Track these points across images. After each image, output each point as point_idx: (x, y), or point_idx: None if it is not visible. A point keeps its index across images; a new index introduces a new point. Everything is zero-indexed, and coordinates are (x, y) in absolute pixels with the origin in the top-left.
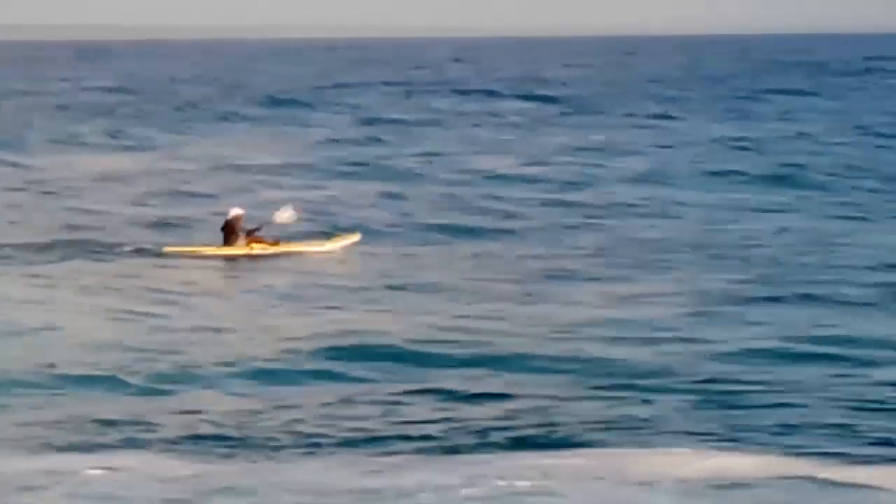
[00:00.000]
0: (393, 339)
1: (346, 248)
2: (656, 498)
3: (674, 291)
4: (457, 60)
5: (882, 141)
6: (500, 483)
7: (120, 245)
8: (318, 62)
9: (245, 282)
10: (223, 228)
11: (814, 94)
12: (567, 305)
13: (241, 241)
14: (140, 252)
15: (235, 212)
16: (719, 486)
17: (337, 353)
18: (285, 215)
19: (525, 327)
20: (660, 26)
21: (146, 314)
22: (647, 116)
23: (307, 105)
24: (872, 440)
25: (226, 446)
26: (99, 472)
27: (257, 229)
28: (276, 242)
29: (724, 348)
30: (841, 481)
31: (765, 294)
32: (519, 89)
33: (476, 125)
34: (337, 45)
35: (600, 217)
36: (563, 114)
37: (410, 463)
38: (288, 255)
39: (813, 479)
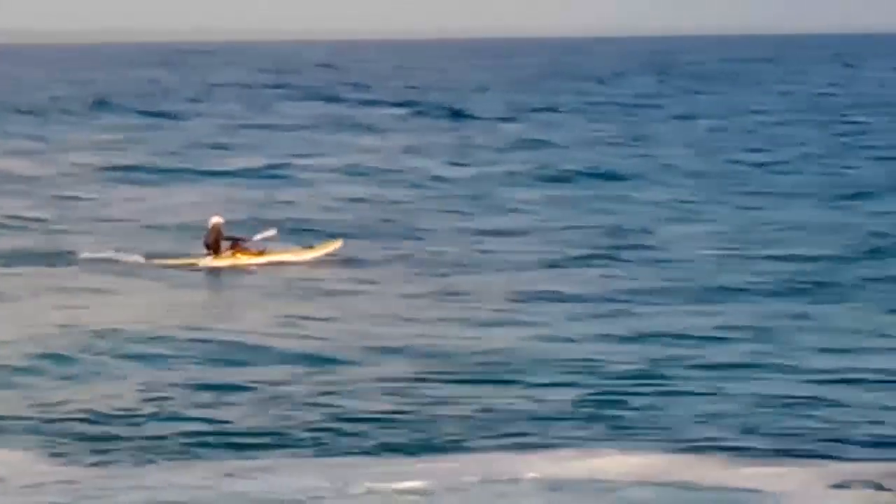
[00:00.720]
0: (275, 340)
1: (326, 256)
2: (526, 500)
3: (548, 291)
4: (324, 66)
5: (713, 142)
6: (373, 485)
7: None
8: (189, 66)
9: (142, 289)
10: (215, 239)
11: (667, 95)
12: (450, 302)
13: (226, 250)
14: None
15: (215, 220)
16: (595, 489)
17: (219, 353)
18: (268, 234)
19: (404, 328)
20: (547, 28)
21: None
22: (499, 119)
23: (168, 111)
24: (766, 436)
25: (97, 447)
26: None
27: (242, 239)
28: (261, 252)
29: (616, 348)
30: (714, 485)
31: (648, 293)
32: (380, 94)
33: (332, 129)
34: (217, 49)
35: (471, 219)
36: (419, 115)
37: (282, 466)
38: (274, 264)
39: (688, 484)
